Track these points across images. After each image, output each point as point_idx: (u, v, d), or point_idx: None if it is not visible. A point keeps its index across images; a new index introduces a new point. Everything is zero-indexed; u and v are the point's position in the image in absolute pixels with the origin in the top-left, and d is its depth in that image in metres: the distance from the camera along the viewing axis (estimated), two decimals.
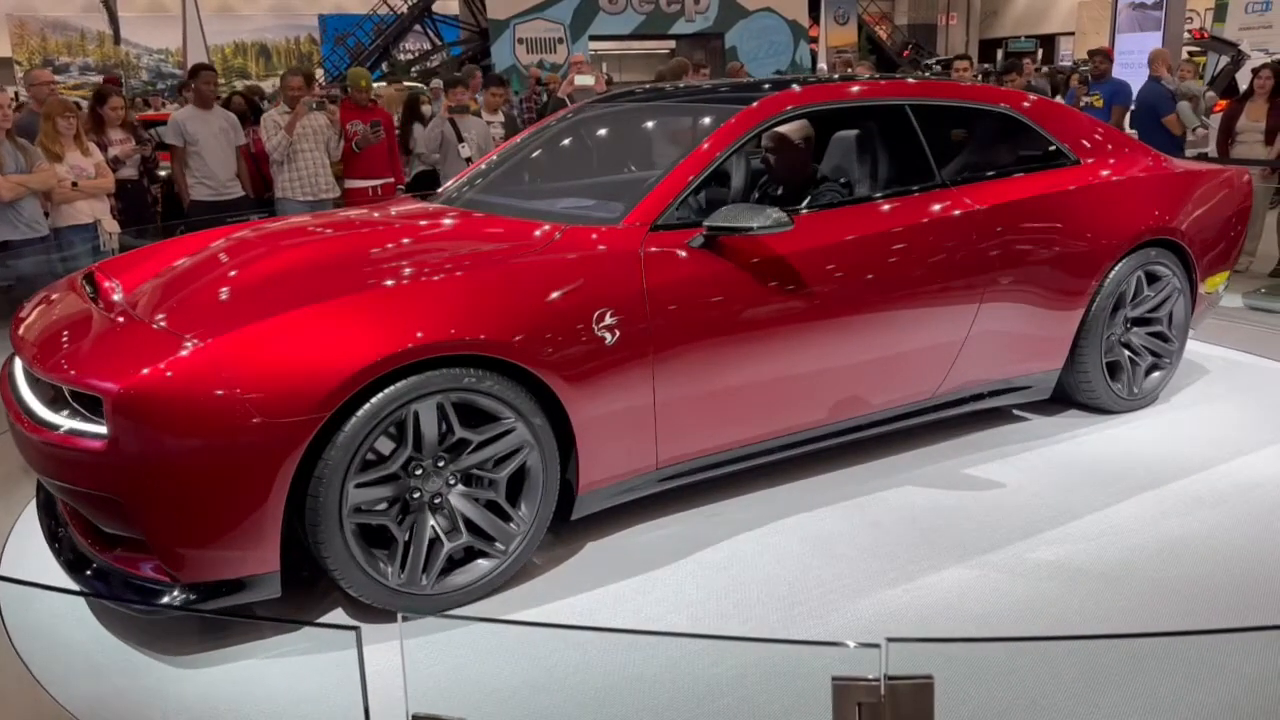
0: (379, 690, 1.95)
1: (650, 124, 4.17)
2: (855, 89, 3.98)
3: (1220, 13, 14.99)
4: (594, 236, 3.17)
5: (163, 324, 2.74)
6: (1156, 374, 4.40)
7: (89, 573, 2.73)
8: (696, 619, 2.80)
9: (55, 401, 2.70)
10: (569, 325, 2.91)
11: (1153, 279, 4.26)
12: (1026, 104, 4.21)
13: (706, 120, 3.58)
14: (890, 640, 1.53)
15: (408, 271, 2.92)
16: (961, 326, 3.74)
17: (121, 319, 2.85)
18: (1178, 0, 11.53)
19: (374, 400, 2.60)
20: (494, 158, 4.35)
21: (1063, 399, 4.31)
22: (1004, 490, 3.62)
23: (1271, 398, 4.54)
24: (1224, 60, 12.66)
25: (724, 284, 3.21)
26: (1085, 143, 4.25)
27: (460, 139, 7.25)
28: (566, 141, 4.32)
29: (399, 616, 1.70)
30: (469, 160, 7.15)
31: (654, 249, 3.14)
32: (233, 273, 3.10)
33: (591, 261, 3.06)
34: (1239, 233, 4.71)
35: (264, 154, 6.90)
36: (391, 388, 2.62)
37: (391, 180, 7.44)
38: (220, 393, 2.48)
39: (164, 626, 2.79)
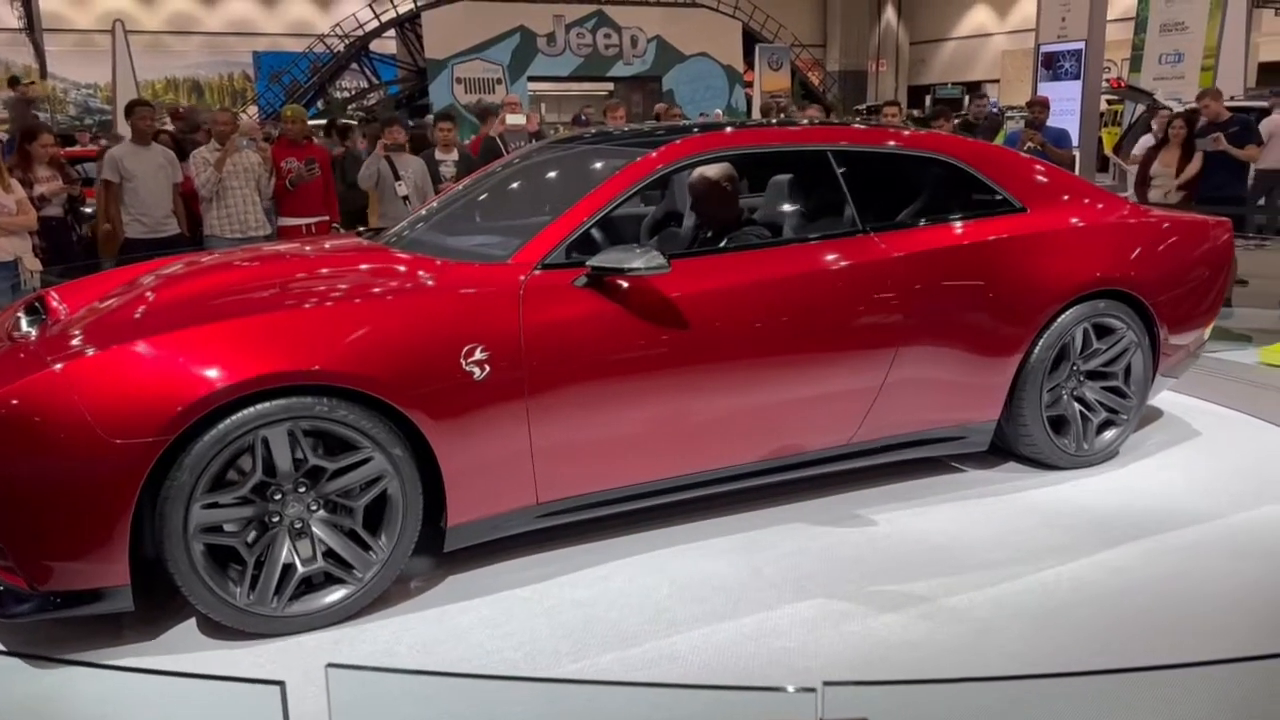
0: None
1: (587, 166, 4.18)
2: (767, 135, 3.98)
3: (1136, 63, 15.63)
4: (473, 273, 3.24)
5: (40, 347, 2.90)
6: (1110, 431, 4.19)
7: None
8: (530, 656, 2.79)
9: None
10: (433, 359, 2.95)
11: (1104, 332, 4.08)
12: (964, 150, 4.11)
13: (617, 164, 3.59)
14: (826, 684, 1.52)
15: (272, 303, 3.04)
16: (875, 374, 3.65)
17: (22, 342, 3.03)
18: (1096, 50, 11.98)
19: (220, 425, 2.70)
20: (442, 199, 4.39)
21: (1010, 453, 4.16)
22: (905, 540, 3.50)
23: (1219, 448, 4.39)
24: (1140, 109, 13.18)
25: (608, 324, 3.20)
26: (1035, 190, 4.11)
27: (397, 177, 7.21)
28: (510, 183, 4.32)
29: (325, 666, 1.66)
30: (405, 199, 7.11)
31: (536, 287, 3.16)
32: (128, 301, 3.23)
33: (463, 297, 3.12)
34: (1216, 286, 4.46)
35: (193, 191, 6.79)
36: (238, 414, 2.71)
37: (327, 218, 7.35)
38: (69, 412, 2.61)
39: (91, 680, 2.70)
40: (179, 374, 2.71)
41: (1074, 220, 4.13)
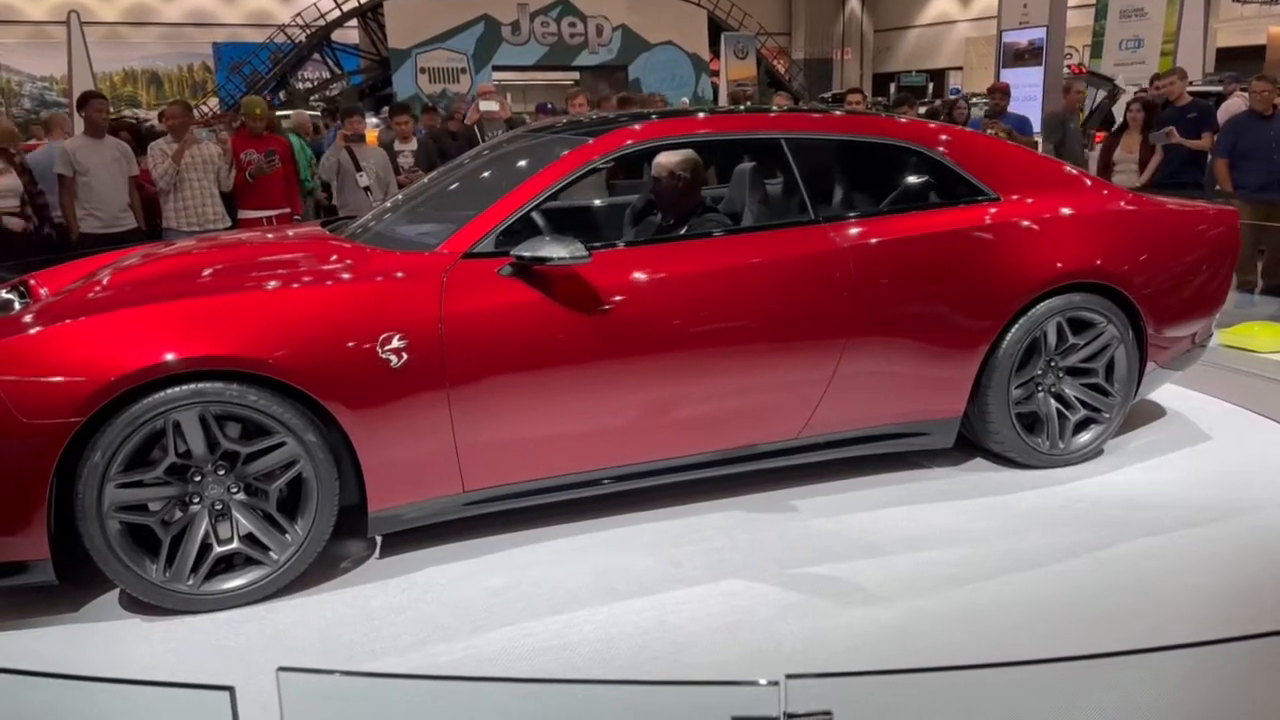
0: None
1: (548, 155, 4.12)
2: (714, 123, 3.90)
3: (1096, 49, 15.76)
4: (398, 262, 3.26)
5: None
6: (1089, 431, 4.00)
7: None
8: (421, 642, 2.81)
9: None
10: (347, 346, 2.98)
11: (1081, 326, 3.90)
12: (935, 138, 3.95)
13: (562, 153, 3.55)
14: (789, 677, 1.51)
15: (187, 290, 3.11)
16: (821, 367, 3.57)
17: None
18: (1058, 37, 12.06)
19: (132, 408, 2.79)
20: (413, 188, 4.36)
21: (982, 449, 4.02)
22: (840, 536, 3.41)
23: (1185, 433, 4.32)
24: (1101, 94, 13.30)
25: (534, 314, 3.19)
26: (1011, 179, 3.93)
27: (358, 168, 7.12)
28: (479, 173, 4.24)
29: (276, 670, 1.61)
30: (367, 189, 7.03)
31: (460, 276, 3.17)
32: (78, 288, 3.30)
33: (382, 285, 3.14)
34: (1216, 277, 4.22)
35: (151, 184, 6.67)
36: (149, 398, 2.80)
37: (288, 210, 7.25)
38: None
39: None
40: (90, 358, 2.79)
41: (1052, 211, 3.92)
